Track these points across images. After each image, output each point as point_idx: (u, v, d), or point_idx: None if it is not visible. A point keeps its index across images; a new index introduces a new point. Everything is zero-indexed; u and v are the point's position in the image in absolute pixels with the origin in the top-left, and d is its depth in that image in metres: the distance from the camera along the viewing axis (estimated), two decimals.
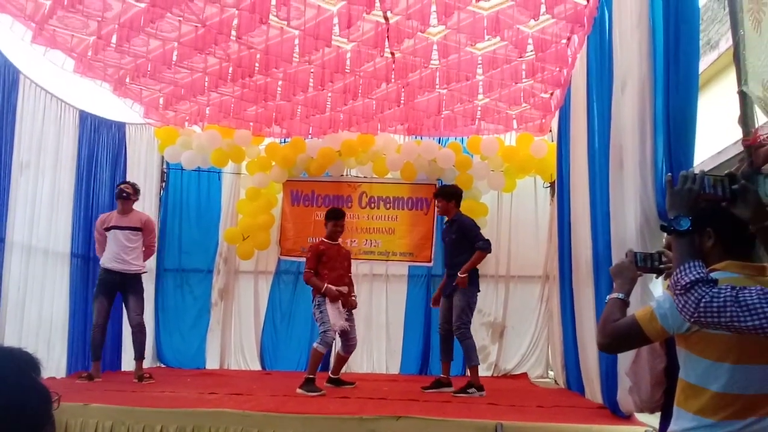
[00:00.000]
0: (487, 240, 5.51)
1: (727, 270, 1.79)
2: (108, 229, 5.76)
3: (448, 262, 5.71)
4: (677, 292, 1.65)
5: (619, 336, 1.91)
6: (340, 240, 5.93)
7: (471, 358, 5.39)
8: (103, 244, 5.80)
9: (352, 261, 7.55)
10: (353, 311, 5.80)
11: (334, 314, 5.43)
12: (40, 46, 5.17)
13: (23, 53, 5.26)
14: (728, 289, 1.56)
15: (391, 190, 7.76)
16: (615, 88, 3.88)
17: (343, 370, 7.28)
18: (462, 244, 5.47)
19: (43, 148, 5.68)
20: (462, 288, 5.34)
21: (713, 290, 1.58)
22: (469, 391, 5.18)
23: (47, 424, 1.15)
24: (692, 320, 1.62)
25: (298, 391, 5.13)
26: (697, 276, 1.63)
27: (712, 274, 1.69)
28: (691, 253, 1.71)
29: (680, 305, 1.64)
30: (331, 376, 5.81)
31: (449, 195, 5.67)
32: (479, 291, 5.62)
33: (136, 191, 5.91)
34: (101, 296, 5.71)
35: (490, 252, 5.53)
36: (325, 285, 5.46)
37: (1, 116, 5.01)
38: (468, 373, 5.63)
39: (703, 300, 1.58)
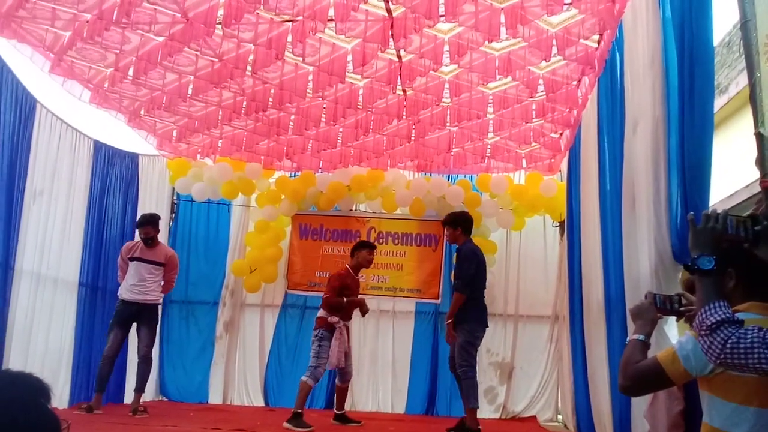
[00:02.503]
0: (466, 279, 5.19)
1: (750, 311, 1.76)
2: (132, 259, 5.76)
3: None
4: (702, 332, 1.62)
5: (641, 378, 1.86)
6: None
7: (469, 399, 5.13)
8: (125, 272, 5.81)
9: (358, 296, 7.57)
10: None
11: (336, 350, 5.37)
12: (58, 76, 5.28)
13: (40, 83, 5.35)
14: (755, 330, 1.52)
15: (399, 225, 7.76)
16: (627, 128, 3.89)
17: (347, 408, 7.16)
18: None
19: (56, 176, 5.72)
20: (461, 325, 5.19)
21: (740, 331, 1.55)
22: None
23: None
24: (718, 362, 1.58)
25: (285, 425, 5.03)
26: (723, 316, 1.60)
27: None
28: (716, 293, 1.68)
29: (705, 346, 1.60)
30: (336, 412, 5.70)
31: (454, 222, 5.52)
32: (487, 327, 5.42)
33: (157, 229, 5.91)
34: (117, 328, 5.67)
35: (464, 294, 5.19)
36: (345, 299, 5.49)
37: (17, 144, 5.06)
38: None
39: (730, 341, 1.54)
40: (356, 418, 5.72)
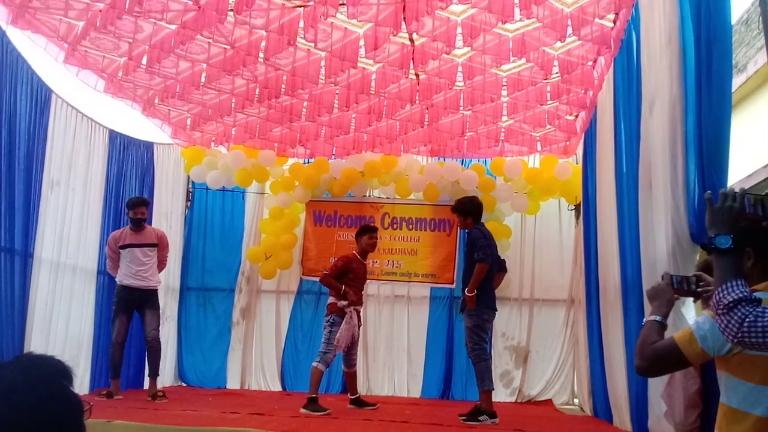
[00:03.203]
0: (487, 250, 5.15)
1: None
2: (123, 247, 5.80)
3: (462, 278, 5.48)
4: (719, 311, 1.61)
5: (658, 359, 1.85)
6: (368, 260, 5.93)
7: (483, 382, 5.05)
8: (116, 262, 5.82)
9: (374, 282, 7.59)
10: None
11: (345, 333, 5.41)
12: (73, 66, 5.31)
13: (55, 73, 5.39)
14: None
15: (413, 211, 7.75)
16: (643, 108, 3.84)
17: (363, 392, 7.21)
18: (471, 259, 5.22)
19: (73, 166, 5.78)
20: (469, 308, 5.14)
21: (757, 309, 1.53)
22: (480, 418, 4.88)
23: None
24: (735, 340, 1.57)
25: (302, 411, 5.08)
26: (741, 295, 1.58)
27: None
28: (733, 272, 1.66)
29: (723, 325, 1.59)
30: (351, 397, 5.75)
31: (463, 211, 5.45)
32: (495, 310, 5.35)
33: (149, 210, 5.96)
34: (121, 314, 5.73)
35: (488, 263, 5.13)
36: (343, 287, 5.47)
37: (33, 134, 5.11)
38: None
39: (747, 319, 1.53)
40: (372, 402, 5.77)
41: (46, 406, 1.09)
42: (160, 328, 5.90)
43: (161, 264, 6.02)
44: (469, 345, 5.17)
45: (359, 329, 5.76)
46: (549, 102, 5.96)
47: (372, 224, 6.12)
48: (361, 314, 7.52)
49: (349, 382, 5.81)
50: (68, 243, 5.72)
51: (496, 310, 5.42)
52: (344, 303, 5.47)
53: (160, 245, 5.94)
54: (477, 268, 5.09)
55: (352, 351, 5.66)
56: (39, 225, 5.21)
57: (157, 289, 5.92)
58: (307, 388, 5.48)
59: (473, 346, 5.12)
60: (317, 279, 7.62)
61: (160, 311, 6.04)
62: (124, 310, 5.75)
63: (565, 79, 5.38)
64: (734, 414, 1.74)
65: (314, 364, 5.37)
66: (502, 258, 6.03)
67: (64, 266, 5.66)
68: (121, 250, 5.79)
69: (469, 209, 5.47)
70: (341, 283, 5.52)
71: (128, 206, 5.87)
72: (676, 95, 3.28)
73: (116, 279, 5.84)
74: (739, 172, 6.15)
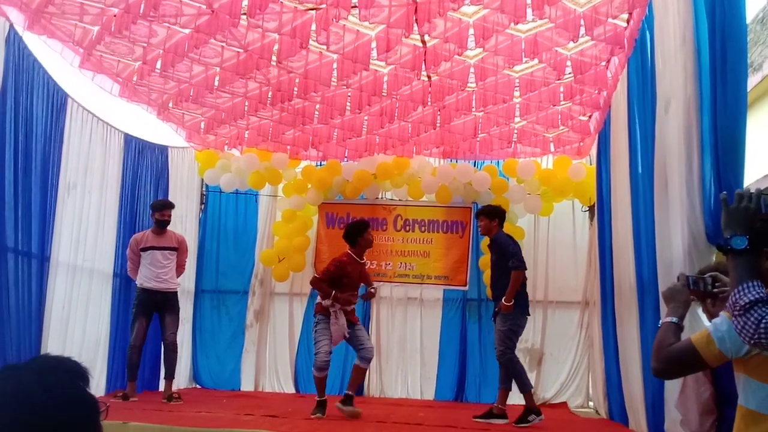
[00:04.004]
0: (519, 256, 5.26)
1: None
2: (145, 249, 5.86)
3: (492, 285, 5.61)
4: (735, 313, 1.59)
5: (675, 361, 1.83)
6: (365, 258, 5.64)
7: (523, 384, 5.16)
8: (137, 264, 5.88)
9: (386, 284, 7.45)
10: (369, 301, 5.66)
11: (334, 333, 5.17)
12: (88, 71, 5.37)
13: (71, 78, 5.44)
14: None
15: (426, 213, 7.74)
16: (658, 108, 3.81)
17: (376, 394, 7.18)
18: (502, 265, 5.31)
19: (89, 169, 5.83)
20: (504, 312, 5.20)
21: None
22: (529, 419, 4.99)
23: None
24: (752, 342, 1.55)
25: (312, 416, 5.01)
26: (757, 296, 1.56)
27: None
28: (749, 273, 1.64)
29: (739, 327, 1.57)
30: (347, 392, 5.27)
31: (492, 213, 5.52)
32: (528, 315, 5.45)
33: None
34: (141, 317, 5.78)
35: (524, 269, 5.30)
36: (333, 293, 5.20)
37: (50, 138, 5.17)
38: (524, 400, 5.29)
39: (764, 320, 1.51)
40: (358, 406, 5.28)
41: (62, 407, 1.10)
42: (177, 332, 5.95)
43: (180, 268, 6.08)
44: (499, 348, 5.21)
45: (367, 324, 5.56)
46: (562, 102, 5.93)
47: (361, 219, 5.76)
48: (374, 317, 7.58)
49: (354, 375, 5.38)
50: (84, 246, 5.77)
51: (529, 315, 5.49)
52: (328, 302, 5.23)
53: (180, 249, 6.00)
54: (514, 276, 5.18)
55: (364, 345, 5.29)
56: (55, 228, 5.26)
57: (176, 292, 5.97)
58: None
59: (504, 349, 5.18)
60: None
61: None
62: (144, 314, 5.79)
63: (578, 79, 5.35)
64: (753, 416, 1.71)
65: (313, 369, 5.25)
66: None
67: (80, 269, 5.71)
68: (141, 253, 5.85)
69: (498, 212, 5.56)
70: (334, 288, 5.24)
71: (155, 208, 5.96)
72: (690, 95, 3.25)
73: (136, 282, 5.89)
74: (755, 172, 6.07)
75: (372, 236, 5.55)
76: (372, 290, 5.61)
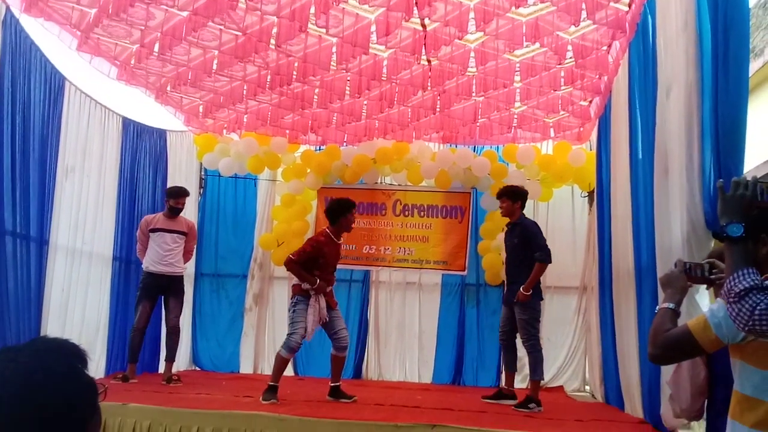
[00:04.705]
0: (547, 249, 5.24)
1: None
2: (154, 230, 5.86)
3: (508, 269, 5.57)
4: (731, 299, 1.60)
5: (672, 346, 1.84)
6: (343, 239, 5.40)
7: (536, 372, 5.23)
8: (146, 245, 5.91)
9: (385, 268, 7.44)
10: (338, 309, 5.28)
11: (311, 318, 4.96)
12: (86, 54, 5.33)
13: (69, 61, 5.41)
14: None
15: (425, 198, 7.73)
16: (659, 93, 3.79)
17: (375, 377, 7.22)
18: (523, 250, 5.27)
19: (87, 153, 5.81)
20: (522, 301, 5.21)
21: None
22: (530, 406, 5.04)
23: (93, 416, 1.15)
24: (746, 329, 1.56)
25: (261, 400, 4.79)
26: (752, 283, 1.57)
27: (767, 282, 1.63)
28: (744, 260, 1.65)
29: (734, 313, 1.58)
30: (332, 384, 5.22)
31: (516, 195, 5.42)
32: (542, 299, 5.48)
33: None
34: (145, 300, 5.82)
35: (549, 263, 5.24)
36: (317, 280, 4.98)
37: (47, 122, 5.15)
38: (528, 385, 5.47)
39: (758, 308, 1.52)
40: (351, 395, 5.19)
41: (61, 388, 1.11)
42: (180, 316, 5.98)
43: (188, 254, 6.12)
44: (524, 336, 5.26)
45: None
46: (563, 87, 5.89)
47: (347, 199, 5.33)
48: (373, 301, 7.60)
49: (334, 365, 5.23)
50: (84, 229, 5.77)
51: (543, 299, 5.53)
52: (308, 285, 5.01)
53: (189, 235, 6.04)
54: (537, 267, 5.18)
55: (340, 334, 5.14)
56: (54, 211, 5.26)
57: (182, 276, 6.00)
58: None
59: (528, 337, 5.23)
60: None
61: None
62: (148, 297, 5.82)
63: (579, 64, 5.32)
64: (748, 401, 1.73)
65: (279, 350, 5.04)
66: None
67: (79, 252, 5.72)
68: (150, 234, 5.87)
69: (520, 194, 5.48)
70: (311, 268, 5.01)
71: (171, 195, 5.99)
72: (692, 80, 3.24)
73: (142, 266, 5.91)
74: (755, 158, 6.06)
75: (354, 219, 5.27)
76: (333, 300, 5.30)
